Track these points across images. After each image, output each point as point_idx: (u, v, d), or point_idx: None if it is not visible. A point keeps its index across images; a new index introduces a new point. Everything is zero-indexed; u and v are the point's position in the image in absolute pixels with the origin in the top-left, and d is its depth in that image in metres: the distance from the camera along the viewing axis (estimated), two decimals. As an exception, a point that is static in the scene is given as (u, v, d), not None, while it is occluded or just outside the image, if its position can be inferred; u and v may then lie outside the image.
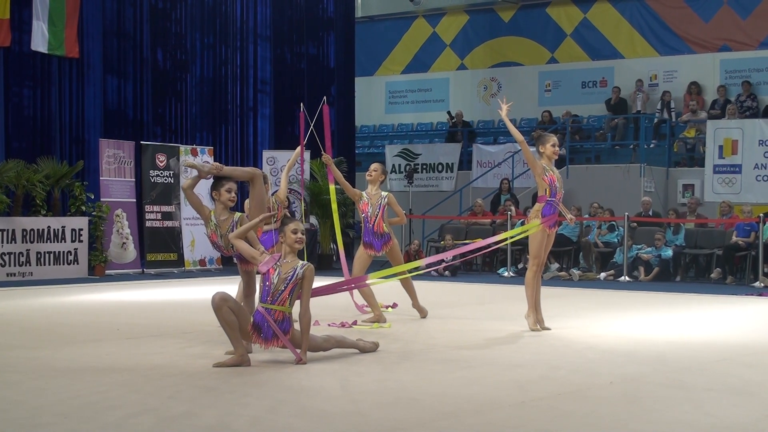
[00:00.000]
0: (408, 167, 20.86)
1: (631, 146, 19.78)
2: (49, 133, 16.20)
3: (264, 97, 19.99)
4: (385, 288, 10.50)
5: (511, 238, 10.74)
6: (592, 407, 5.31)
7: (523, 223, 9.25)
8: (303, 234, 6.67)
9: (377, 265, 11.11)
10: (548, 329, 8.58)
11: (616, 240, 16.02)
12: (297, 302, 6.57)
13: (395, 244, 9.43)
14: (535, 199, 9.22)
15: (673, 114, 20.46)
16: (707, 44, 21.03)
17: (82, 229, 14.75)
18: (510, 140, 20.27)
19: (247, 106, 19.67)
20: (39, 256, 14.17)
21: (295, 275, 6.52)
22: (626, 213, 15.56)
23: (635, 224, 16.06)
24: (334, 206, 10.31)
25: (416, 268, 9.61)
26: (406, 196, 19.00)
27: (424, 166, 21.60)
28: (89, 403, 5.24)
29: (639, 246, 15.55)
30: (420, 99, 24.96)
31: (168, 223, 16.21)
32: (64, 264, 14.49)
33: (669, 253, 15.25)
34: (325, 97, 10.92)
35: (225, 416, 4.96)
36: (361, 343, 7.12)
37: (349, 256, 11.93)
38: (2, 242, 13.71)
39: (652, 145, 19.74)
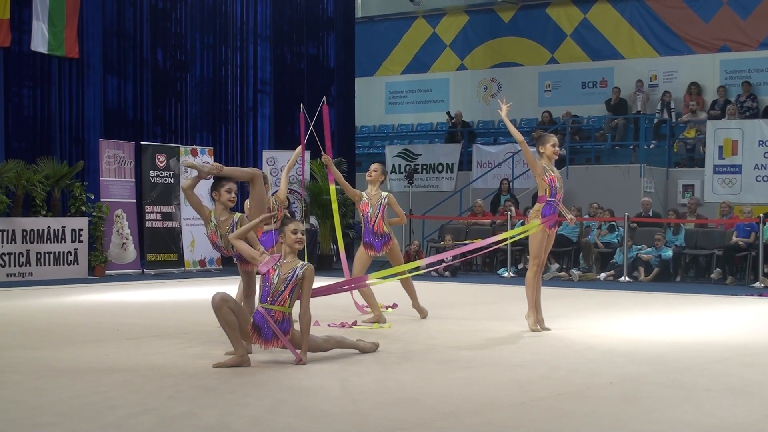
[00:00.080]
0: (408, 167, 20.86)
1: (631, 147, 19.79)
2: (49, 134, 16.20)
3: (264, 98, 19.99)
4: (386, 288, 10.50)
5: (511, 238, 10.74)
6: (592, 407, 5.31)
7: (523, 224, 9.25)
8: (303, 234, 6.67)
9: (377, 265, 11.11)
10: (548, 329, 8.58)
11: (616, 240, 16.02)
12: (297, 302, 6.57)
13: (395, 244, 9.43)
14: (535, 199, 9.22)
15: (673, 114, 20.46)
16: (707, 44, 21.04)
17: (82, 230, 14.75)
18: (510, 140, 20.27)
19: (247, 106, 19.67)
20: (39, 256, 14.17)
21: (295, 275, 6.52)
22: (626, 213, 15.56)
23: (635, 225, 16.06)
24: (335, 206, 10.31)
25: (416, 269, 9.61)
26: (406, 197, 19.01)
27: (424, 167, 21.61)
28: (89, 403, 5.24)
29: (639, 246, 15.56)
30: (420, 99, 24.96)
31: (168, 224, 16.21)
32: (64, 264, 14.49)
33: (669, 253, 15.25)
34: (324, 97, 10.92)
35: (225, 416, 4.96)
36: (361, 344, 7.12)
37: (349, 257, 11.92)
38: (2, 242, 13.71)
39: (652, 146, 19.74)
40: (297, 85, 20.29)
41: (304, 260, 6.75)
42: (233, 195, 7.19)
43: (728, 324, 9.59)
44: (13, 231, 13.88)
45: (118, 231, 15.33)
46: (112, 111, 17.24)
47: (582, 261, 16.05)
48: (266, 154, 18.13)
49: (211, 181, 7.30)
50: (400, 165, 21.68)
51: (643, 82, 21.33)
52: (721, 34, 20.88)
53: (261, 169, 13.69)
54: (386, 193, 9.42)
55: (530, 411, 5.23)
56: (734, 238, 15.16)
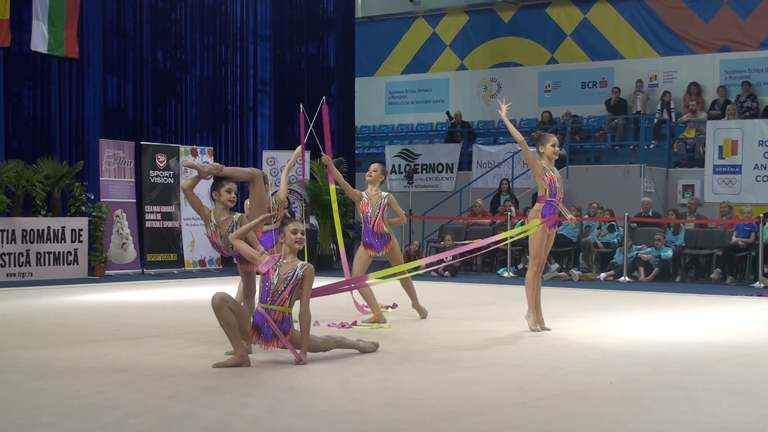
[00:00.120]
0: (408, 167, 20.86)
1: (631, 147, 19.79)
2: (48, 134, 16.20)
3: (264, 98, 19.99)
4: (385, 288, 10.50)
5: (511, 238, 10.74)
6: (592, 407, 5.31)
7: (523, 224, 9.25)
8: (303, 234, 6.67)
9: (377, 265, 11.11)
10: (548, 329, 8.58)
11: (616, 240, 16.02)
12: (297, 302, 6.57)
13: (395, 244, 9.43)
14: (534, 199, 9.22)
15: (672, 114, 20.46)
16: (707, 44, 21.04)
17: (81, 230, 14.75)
18: (510, 140, 20.27)
19: (247, 106, 19.67)
20: (39, 256, 14.17)
21: (295, 275, 6.52)
22: (626, 213, 15.56)
23: (635, 225, 16.06)
24: (335, 206, 10.31)
25: (416, 269, 9.61)
26: (406, 197, 19.01)
27: (424, 167, 21.61)
28: (89, 403, 5.24)
29: (639, 246, 15.56)
30: (420, 99, 24.96)
31: (168, 224, 16.21)
32: (64, 264, 14.49)
33: (669, 253, 15.25)
34: (324, 97, 10.92)
35: (225, 416, 4.96)
36: (361, 344, 7.12)
37: (349, 257, 11.92)
38: (2, 242, 13.71)
39: (651, 146, 19.74)
40: (297, 85, 20.29)
41: (304, 260, 6.75)
42: (233, 195, 7.19)
43: (728, 324, 9.59)
44: (13, 231, 13.87)
45: (118, 231, 15.33)
46: (112, 111, 17.24)
47: (582, 261, 16.05)
48: (266, 154, 18.13)
49: (211, 181, 7.30)
50: (400, 165, 21.69)
51: (643, 82, 21.33)
52: (721, 34, 20.88)
53: (261, 169, 13.70)
54: (386, 193, 9.42)
55: (530, 411, 5.23)
56: (734, 238, 15.16)
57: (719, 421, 5.02)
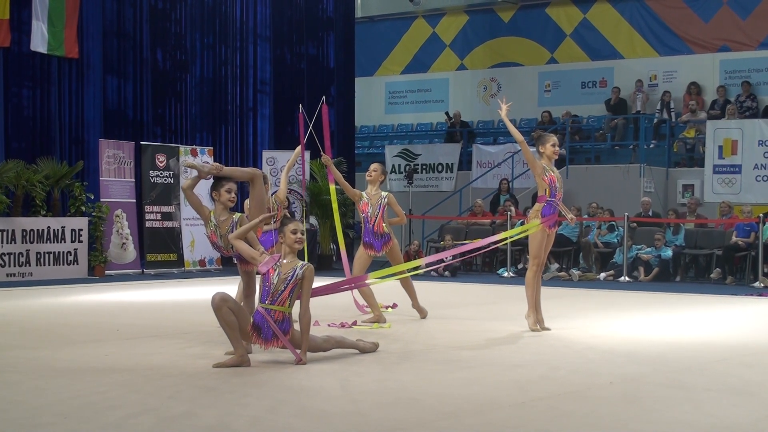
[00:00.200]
0: (408, 167, 20.86)
1: (631, 146, 19.79)
2: (48, 134, 16.20)
3: (264, 98, 20.00)
4: (385, 288, 10.50)
5: (511, 237, 10.74)
6: (592, 407, 5.31)
7: (522, 223, 9.25)
8: (302, 234, 6.67)
9: (377, 265, 11.10)
10: (548, 329, 8.58)
11: (615, 240, 16.02)
12: (297, 302, 6.57)
13: (395, 244, 9.44)
14: (534, 199, 9.22)
15: (672, 114, 20.46)
16: (707, 44, 21.04)
17: (81, 230, 14.75)
18: (510, 140, 20.27)
19: (247, 106, 19.67)
20: (39, 256, 14.17)
21: (295, 275, 6.52)
22: (626, 213, 15.56)
23: (635, 224, 16.06)
24: (335, 206, 10.31)
25: (416, 268, 9.61)
26: (405, 197, 19.01)
27: (424, 167, 21.61)
28: (89, 403, 5.24)
29: (639, 246, 15.56)
30: (420, 99, 24.96)
31: (168, 224, 16.21)
32: (63, 264, 14.49)
33: (669, 253, 15.25)
34: (324, 98, 10.92)
35: (225, 416, 4.96)
36: (361, 344, 7.12)
37: (350, 257, 11.92)
38: (2, 242, 13.71)
39: (651, 146, 19.74)
40: (297, 86, 20.29)
41: (304, 260, 6.75)
42: (233, 195, 7.18)
43: (728, 324, 9.59)
44: (13, 231, 13.87)
45: (117, 231, 15.33)
46: (112, 111, 17.24)
47: (582, 261, 16.05)
48: (266, 154, 18.13)
49: (211, 181, 7.30)
50: (399, 165, 21.69)
51: (642, 82, 21.33)
52: (720, 34, 20.88)
53: (261, 169, 13.70)
54: (386, 193, 9.42)
55: (530, 411, 5.23)
56: (734, 238, 15.16)
57: (719, 421, 5.02)
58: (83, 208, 14.99)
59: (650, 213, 16.56)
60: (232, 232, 6.95)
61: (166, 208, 16.23)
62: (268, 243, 8.35)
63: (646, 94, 21.23)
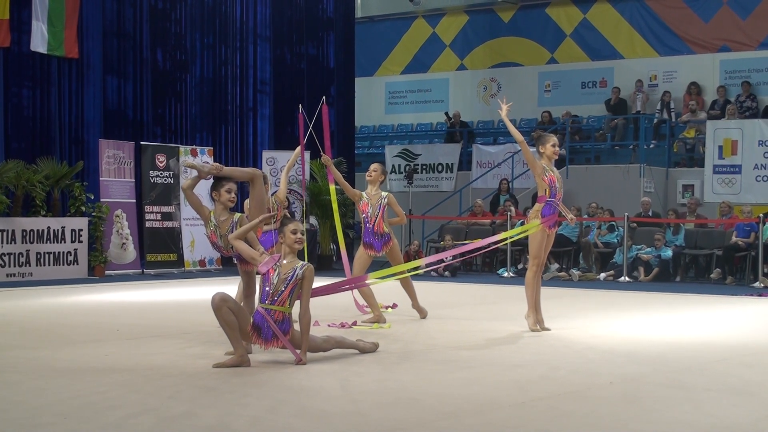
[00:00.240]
0: (408, 167, 20.87)
1: (631, 146, 19.79)
2: (48, 134, 16.20)
3: (264, 98, 20.00)
4: (385, 288, 10.50)
5: (511, 238, 10.74)
6: (592, 407, 5.31)
7: (522, 224, 9.25)
8: (302, 234, 6.67)
9: (377, 265, 11.10)
10: (548, 329, 8.58)
11: (615, 240, 16.02)
12: (297, 303, 6.57)
13: (395, 244, 9.44)
14: (534, 199, 9.23)
15: (672, 114, 20.46)
16: (707, 44, 21.04)
17: (81, 230, 14.75)
18: (510, 140, 20.28)
19: (247, 106, 19.67)
20: (39, 256, 14.16)
21: (295, 275, 6.52)
22: (626, 213, 15.56)
23: (635, 224, 16.06)
24: (335, 206, 10.31)
25: (416, 269, 9.61)
26: (405, 197, 19.01)
27: (424, 167, 21.61)
28: (89, 404, 5.24)
29: (639, 246, 15.56)
30: (420, 99, 24.96)
31: (168, 224, 16.21)
32: (63, 264, 14.48)
33: (669, 253, 15.25)
34: (324, 98, 10.92)
35: (225, 416, 4.96)
36: (361, 344, 7.12)
37: (349, 257, 11.92)
38: (2, 243, 13.71)
39: (651, 146, 19.74)
40: (297, 86, 20.29)
41: (303, 260, 6.75)
42: (233, 195, 7.18)
43: (728, 324, 9.59)
44: (13, 231, 13.87)
45: (117, 231, 15.33)
46: (112, 111, 17.24)
47: (582, 261, 16.05)
48: (266, 154, 18.13)
49: (211, 181, 7.30)
50: (399, 165, 21.69)
51: (642, 82, 21.33)
52: (720, 34, 20.88)
53: (261, 169, 13.70)
54: (386, 193, 9.42)
55: (530, 411, 5.23)
56: (734, 238, 15.16)
57: (719, 421, 5.02)
58: (83, 209, 14.99)
59: (650, 213, 16.56)
60: (232, 232, 6.95)
61: (166, 208, 16.23)
62: (268, 243, 8.35)
63: (646, 94, 21.23)
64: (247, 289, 7.38)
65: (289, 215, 9.28)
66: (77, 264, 14.67)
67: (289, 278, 6.50)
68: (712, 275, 15.20)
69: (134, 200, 15.80)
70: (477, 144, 21.54)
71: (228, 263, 15.92)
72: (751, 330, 9.08)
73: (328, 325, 8.73)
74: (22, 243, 13.96)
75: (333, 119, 19.60)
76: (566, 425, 4.92)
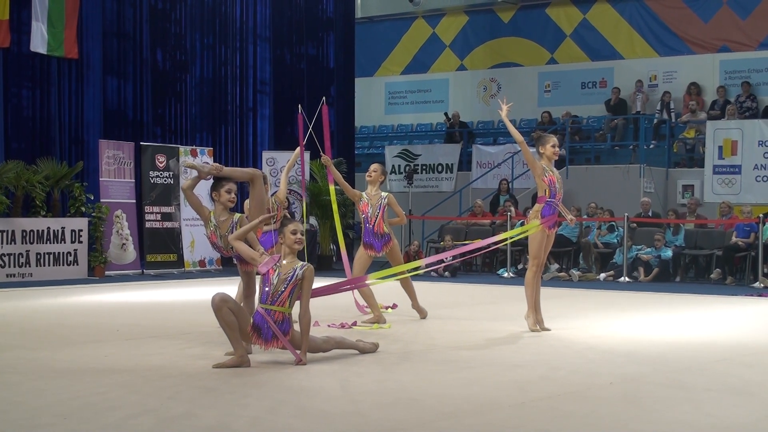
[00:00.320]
0: (408, 168, 20.86)
1: (631, 147, 19.79)
2: (48, 134, 16.20)
3: (263, 98, 20.00)
4: (385, 289, 10.50)
5: (511, 238, 10.74)
6: (592, 408, 5.31)
7: (522, 224, 9.25)
8: (302, 235, 6.67)
9: (377, 265, 11.11)
10: (548, 330, 8.57)
11: (615, 240, 16.02)
12: (297, 303, 6.57)
13: (395, 244, 9.43)
14: (534, 199, 9.22)
15: (672, 114, 20.46)
16: (707, 45, 21.03)
17: (81, 230, 14.75)
18: (510, 141, 20.27)
19: (247, 106, 19.67)
20: (39, 257, 14.16)
21: (295, 276, 6.52)
22: (626, 214, 15.56)
23: (635, 225, 16.06)
24: (335, 207, 10.31)
25: (416, 269, 9.61)
26: (405, 197, 19.01)
27: (424, 167, 21.61)
28: (89, 404, 5.24)
29: (639, 246, 15.56)
30: (419, 100, 24.96)
31: (168, 224, 16.21)
32: (63, 265, 14.48)
33: (669, 253, 15.25)
34: (324, 98, 10.92)
35: (225, 417, 4.96)
36: (361, 344, 7.11)
37: (349, 257, 11.93)
38: (2, 243, 13.71)
39: (651, 146, 19.74)
40: (297, 86, 20.29)
41: (303, 261, 6.75)
42: (233, 195, 7.18)
43: (728, 324, 9.59)
44: (13, 232, 13.87)
45: (117, 231, 15.33)
46: (112, 111, 17.25)
47: (582, 261, 16.05)
48: (266, 155, 18.13)
49: (211, 181, 7.30)
50: (399, 165, 21.68)
51: (642, 83, 21.33)
52: (720, 34, 20.88)
53: (261, 169, 13.70)
54: (386, 194, 9.42)
55: (530, 411, 5.23)
56: (734, 238, 15.15)
57: (719, 421, 5.02)
58: (83, 209, 14.99)
59: (650, 213, 16.56)
60: (232, 232, 6.95)
61: (166, 209, 16.22)
62: (267, 243, 8.35)
63: (646, 94, 21.23)
64: (247, 290, 7.38)
65: (289, 216, 9.28)
66: (77, 264, 14.67)
67: (289, 278, 6.50)
68: (712, 275, 15.20)
69: (134, 201, 15.79)
70: (477, 144, 21.54)
71: (228, 264, 15.92)
72: (751, 330, 9.08)
73: (328, 326, 8.73)
74: (22, 243, 13.96)
75: (333, 119, 19.60)
76: (566, 425, 4.92)
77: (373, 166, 9.57)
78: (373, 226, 9.26)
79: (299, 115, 9.96)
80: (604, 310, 10.70)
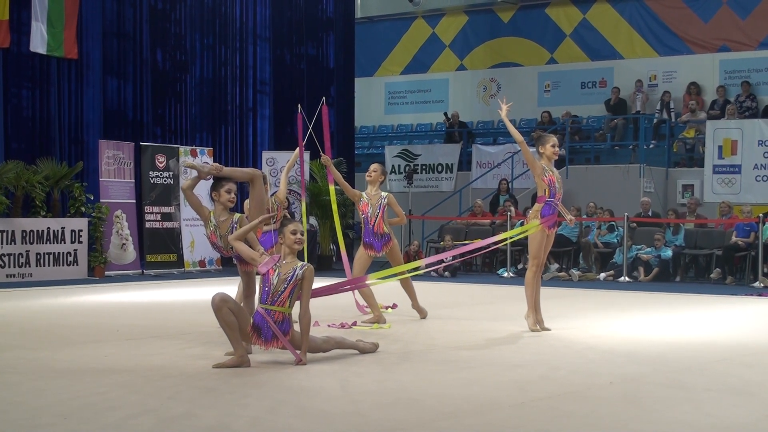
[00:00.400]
0: (407, 168, 20.86)
1: (631, 147, 19.79)
2: (48, 134, 16.20)
3: (263, 98, 20.00)
4: (385, 289, 10.50)
5: (511, 238, 10.74)
6: (592, 408, 5.31)
7: (522, 224, 9.25)
8: (302, 235, 6.67)
9: (377, 265, 11.11)
10: (548, 330, 8.58)
11: (615, 240, 16.02)
12: (297, 303, 6.57)
13: (395, 244, 9.43)
14: (534, 199, 9.23)
15: (672, 114, 20.46)
16: (706, 44, 21.03)
17: (81, 230, 14.74)
18: (509, 141, 20.27)
19: (247, 106, 19.67)
20: (39, 257, 14.16)
21: (295, 276, 6.52)
22: (626, 213, 15.56)
23: (635, 224, 16.06)
24: (335, 207, 10.32)
25: (416, 269, 9.61)
26: (405, 197, 19.01)
27: (424, 167, 21.61)
28: (89, 404, 5.24)
29: (639, 246, 15.56)
30: (419, 100, 24.96)
31: (167, 224, 16.21)
32: (63, 265, 14.48)
33: (669, 253, 15.25)
34: (324, 98, 10.92)
35: (225, 417, 4.96)
36: (361, 344, 7.11)
37: (349, 257, 11.94)
38: (2, 243, 13.71)
39: (651, 146, 19.74)
40: (296, 86, 20.29)
41: (303, 261, 6.75)
42: (233, 195, 7.18)
43: (728, 324, 9.59)
44: (13, 232, 13.87)
45: (117, 232, 15.33)
46: (112, 112, 17.24)
47: (582, 261, 16.05)
48: (266, 155, 18.13)
49: (211, 181, 7.30)
50: (399, 165, 21.68)
51: (642, 82, 21.33)
52: (720, 34, 20.88)
53: (261, 169, 13.69)
54: (386, 193, 9.42)
55: (530, 411, 5.23)
56: (734, 238, 15.16)
57: (719, 421, 5.02)
58: (83, 209, 14.99)
59: (650, 213, 16.56)
60: (232, 232, 6.95)
61: (165, 209, 16.22)
62: (267, 244, 8.35)
63: (645, 94, 21.23)
64: (247, 290, 7.38)
65: (288, 216, 9.28)
66: (77, 264, 14.67)
67: (288, 279, 6.50)
68: (712, 275, 15.20)
69: (134, 201, 15.79)
70: (477, 144, 21.54)
71: (228, 264, 15.92)
72: (751, 330, 9.08)
73: (328, 326, 8.73)
74: (22, 243, 13.96)
75: (333, 119, 19.60)
76: (566, 425, 4.92)
77: (373, 166, 9.57)
78: (373, 226, 9.26)
79: (299, 115, 9.96)
80: (604, 310, 10.70)
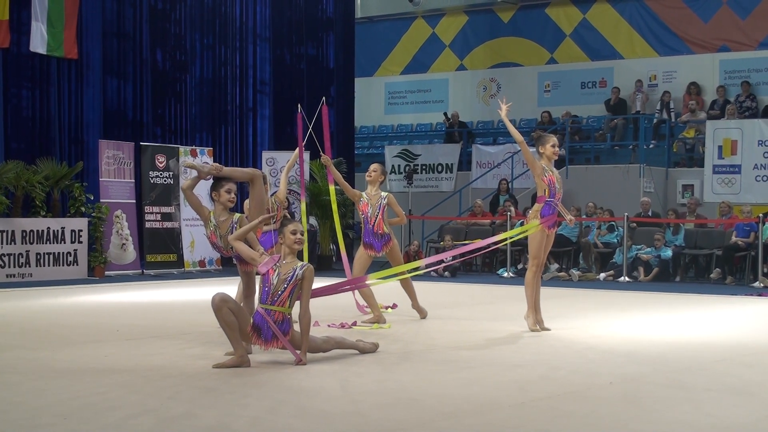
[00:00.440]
0: (407, 168, 20.86)
1: (631, 147, 19.79)
2: (48, 134, 16.20)
3: (263, 98, 20.00)
4: (385, 289, 10.50)
5: (511, 238, 10.74)
6: (592, 408, 5.31)
7: (522, 224, 9.25)
8: (302, 235, 6.67)
9: (377, 265, 11.11)
10: (548, 330, 8.58)
11: (615, 240, 16.02)
12: (297, 303, 6.57)
13: (395, 244, 9.44)
14: (534, 199, 9.23)
15: (672, 114, 20.46)
16: (706, 44, 21.04)
17: (81, 230, 14.74)
18: (509, 141, 20.27)
19: (247, 106, 19.67)
20: (38, 257, 14.16)
21: (295, 276, 6.52)
22: (626, 213, 15.56)
23: (635, 225, 16.06)
24: (335, 207, 10.32)
25: (416, 269, 9.61)
26: (405, 197, 19.01)
27: (424, 167, 21.61)
28: (89, 404, 5.24)
29: (638, 246, 15.56)
30: (419, 100, 24.96)
31: (167, 224, 16.21)
32: (63, 265, 14.48)
33: (668, 253, 15.25)
34: (324, 98, 10.92)
35: (225, 417, 4.96)
36: (361, 344, 7.11)
37: (349, 257, 11.94)
38: (2, 243, 13.70)
39: (651, 146, 19.74)
40: (296, 86, 20.29)
41: (303, 261, 6.75)
42: (233, 195, 7.18)
43: (728, 324, 9.59)
44: (13, 232, 13.87)
45: (117, 232, 15.33)
46: (112, 112, 17.24)
47: (582, 261, 16.05)
48: (266, 155, 18.13)
49: (211, 181, 7.30)
50: (399, 165, 21.68)
51: (642, 82, 21.33)
52: (720, 34, 20.88)
53: (260, 169, 13.69)
54: (386, 193, 9.42)
55: (530, 411, 5.23)
56: (734, 238, 15.16)
57: (719, 421, 5.02)
58: (83, 209, 14.99)
59: (650, 213, 16.57)
60: (232, 232, 6.95)
61: (165, 209, 16.22)
62: (267, 244, 8.35)
63: (645, 94, 21.23)
64: (247, 290, 7.38)
65: (288, 216, 9.28)
66: (77, 264, 14.67)
67: (288, 279, 6.50)
68: (711, 275, 15.20)
69: (134, 201, 15.79)
70: (477, 144, 21.54)
71: (228, 264, 15.92)
72: (751, 330, 9.08)
73: (328, 326, 8.73)
74: (22, 244, 13.96)
75: (333, 119, 19.60)
76: (566, 425, 4.92)
77: (373, 166, 9.57)
78: (373, 226, 9.26)
79: (299, 115, 9.97)
80: (604, 310, 10.70)
